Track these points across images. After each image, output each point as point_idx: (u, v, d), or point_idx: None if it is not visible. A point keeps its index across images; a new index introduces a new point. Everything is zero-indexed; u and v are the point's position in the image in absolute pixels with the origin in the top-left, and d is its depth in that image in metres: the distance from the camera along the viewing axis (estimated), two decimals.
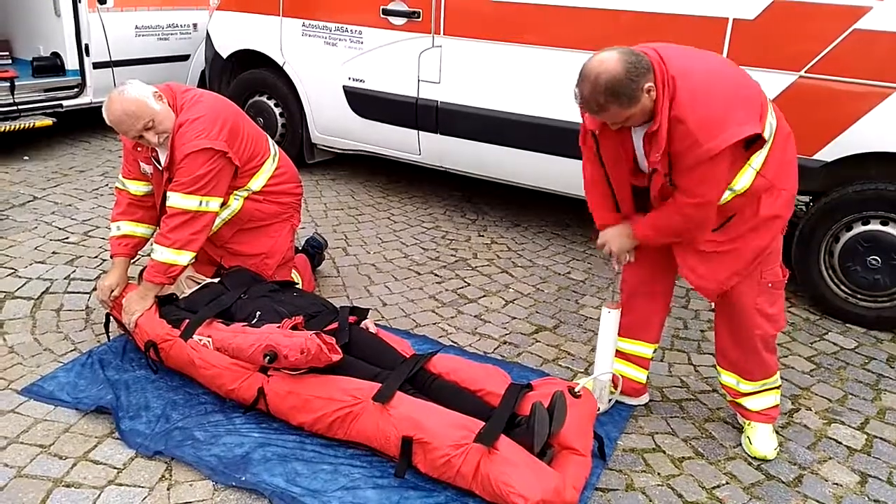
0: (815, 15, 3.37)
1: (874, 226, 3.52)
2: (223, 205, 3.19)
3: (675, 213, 2.37)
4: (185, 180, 2.95)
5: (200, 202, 2.99)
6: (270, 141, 3.47)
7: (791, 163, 2.43)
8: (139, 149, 3.09)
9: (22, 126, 5.45)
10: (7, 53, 6.24)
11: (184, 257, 2.98)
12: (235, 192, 3.24)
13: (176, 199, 2.97)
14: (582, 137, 2.54)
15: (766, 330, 2.56)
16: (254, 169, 3.28)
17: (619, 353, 2.81)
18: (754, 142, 2.27)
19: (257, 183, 3.29)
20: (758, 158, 2.31)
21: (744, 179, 2.32)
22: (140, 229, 3.21)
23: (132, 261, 3.25)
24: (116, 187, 3.26)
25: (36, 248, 4.02)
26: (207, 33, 5.76)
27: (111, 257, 3.19)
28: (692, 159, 2.20)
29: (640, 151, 2.38)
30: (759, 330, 2.55)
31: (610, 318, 2.71)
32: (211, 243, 3.32)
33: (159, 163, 3.10)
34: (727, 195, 2.34)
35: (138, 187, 3.21)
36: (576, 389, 2.49)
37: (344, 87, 4.94)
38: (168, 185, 3.02)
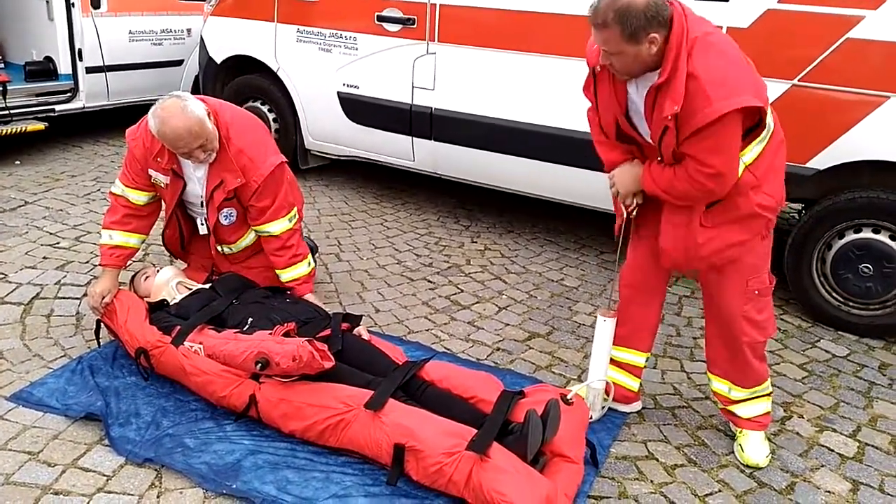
0: (809, 24, 3.39)
1: (866, 234, 3.53)
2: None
3: (688, 180, 2.30)
4: (280, 206, 3.17)
5: (294, 215, 3.26)
6: None
7: (779, 170, 2.43)
8: (159, 159, 3.06)
9: (14, 130, 5.42)
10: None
11: (310, 263, 3.29)
12: None
13: (283, 225, 3.20)
14: (586, 83, 2.50)
15: (754, 337, 2.56)
16: None
17: (612, 361, 2.81)
18: (753, 130, 2.26)
19: None
20: (750, 153, 2.31)
21: None
22: (132, 240, 3.20)
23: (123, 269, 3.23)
24: (112, 193, 3.22)
25: (26, 253, 3.99)
26: (201, 38, 5.75)
27: (101, 266, 3.16)
28: (702, 118, 2.15)
29: (641, 115, 2.35)
30: (747, 337, 2.55)
31: (606, 327, 2.71)
32: (228, 261, 3.37)
33: (179, 176, 3.10)
34: None
35: (139, 197, 3.18)
36: (568, 397, 2.49)
37: (338, 93, 4.94)
38: (256, 218, 3.19)
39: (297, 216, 3.30)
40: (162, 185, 3.14)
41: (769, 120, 2.33)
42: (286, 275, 3.23)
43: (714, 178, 2.26)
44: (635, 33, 2.12)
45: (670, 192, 2.40)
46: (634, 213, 2.60)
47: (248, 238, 3.32)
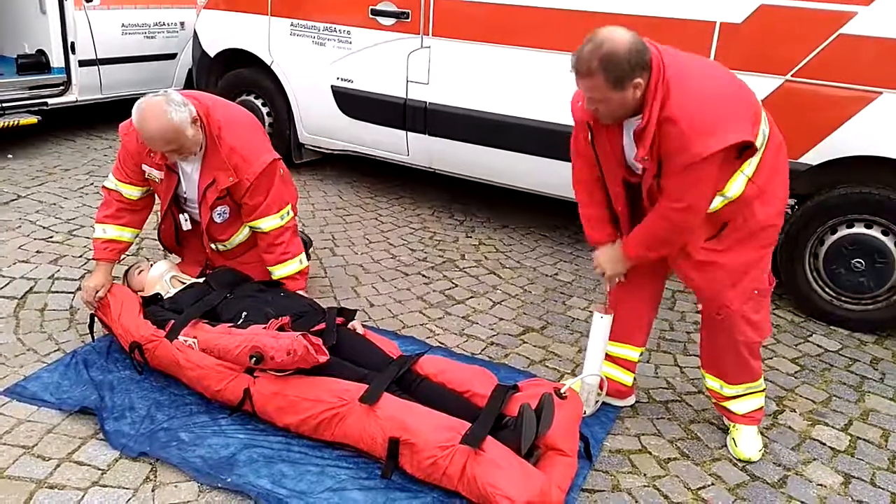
0: (802, 19, 3.39)
1: (858, 229, 3.55)
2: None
3: (660, 218, 2.37)
4: (271, 203, 3.16)
5: (286, 213, 3.23)
6: None
7: (782, 172, 2.44)
8: (152, 154, 3.05)
9: (6, 124, 5.39)
10: None
11: (303, 259, 3.27)
12: None
13: (273, 222, 3.18)
14: (575, 132, 2.54)
15: (750, 337, 2.57)
16: None
17: (606, 356, 2.81)
18: (746, 149, 2.28)
19: None
20: (750, 166, 2.32)
21: (735, 186, 2.33)
22: (126, 234, 3.19)
23: (116, 263, 3.22)
24: (105, 187, 3.22)
25: (20, 248, 3.98)
26: (195, 32, 5.73)
27: (94, 260, 3.16)
28: (682, 161, 2.20)
29: (630, 149, 2.38)
30: (743, 337, 2.56)
31: (602, 323, 2.72)
32: (222, 258, 3.36)
33: (173, 171, 3.10)
34: (719, 202, 2.35)
35: (132, 191, 3.18)
36: (562, 391, 2.49)
37: (332, 87, 4.93)
38: (248, 214, 3.19)
39: (291, 214, 3.28)
40: (156, 180, 3.14)
41: (763, 128, 2.33)
42: (276, 272, 3.23)
43: (683, 211, 2.31)
44: (620, 80, 2.14)
45: (649, 243, 2.47)
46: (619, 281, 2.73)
47: (241, 235, 3.32)
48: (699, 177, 2.23)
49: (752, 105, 2.31)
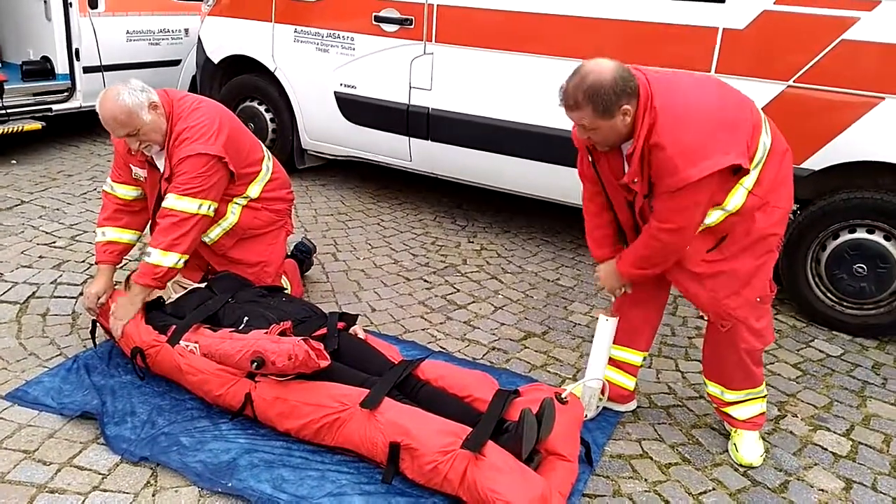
0: (804, 25, 3.40)
1: (861, 234, 3.54)
2: (222, 215, 3.22)
3: (651, 238, 2.40)
4: (181, 183, 2.97)
5: (192, 204, 2.99)
6: (264, 147, 3.48)
7: (786, 180, 2.43)
8: (134, 153, 3.08)
9: (10, 130, 5.42)
10: None
11: (169, 259, 2.95)
12: (234, 199, 3.25)
13: (170, 201, 2.98)
14: (580, 157, 2.59)
15: (752, 344, 2.57)
16: (251, 175, 3.30)
17: (609, 360, 2.81)
18: (740, 169, 2.28)
19: (255, 190, 3.30)
20: (750, 178, 2.32)
21: (736, 199, 2.33)
22: (126, 235, 3.20)
23: (118, 266, 3.23)
24: (104, 191, 3.25)
25: (22, 253, 3.99)
26: (199, 38, 5.76)
27: (96, 264, 3.18)
28: (671, 185, 2.23)
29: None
30: (745, 344, 2.56)
31: (607, 327, 2.73)
32: (212, 252, 3.34)
33: (156, 167, 3.09)
34: (719, 215, 2.36)
35: (127, 191, 3.20)
36: (563, 395, 2.49)
37: (335, 93, 4.95)
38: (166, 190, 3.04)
39: (195, 212, 2.99)
40: (142, 178, 3.16)
41: (764, 139, 2.33)
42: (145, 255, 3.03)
43: (672, 232, 2.33)
44: (608, 109, 2.18)
45: (642, 264, 2.50)
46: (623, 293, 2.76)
47: (219, 227, 3.24)
48: (688, 200, 2.26)
49: (746, 122, 2.30)
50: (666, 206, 2.30)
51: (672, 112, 2.20)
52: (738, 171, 2.29)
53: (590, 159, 2.52)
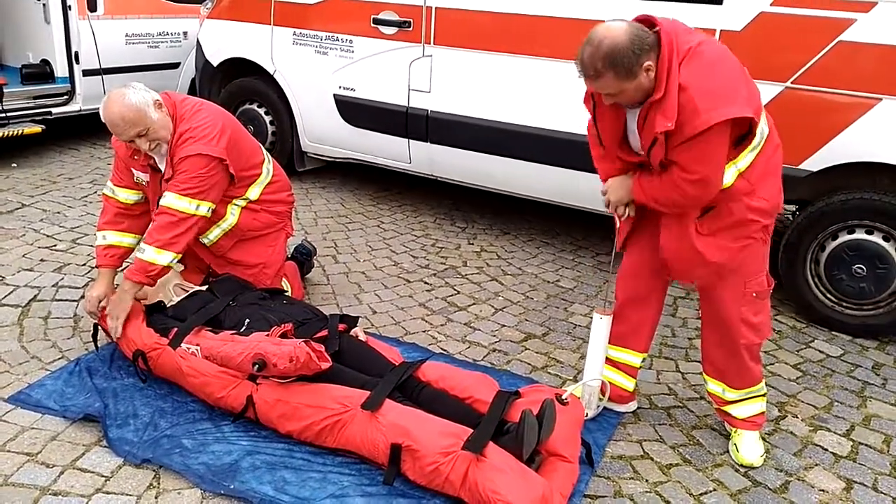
0: (802, 27, 3.41)
1: (859, 235, 3.56)
2: (221, 216, 3.22)
3: (673, 188, 2.33)
4: (181, 182, 2.98)
5: (191, 205, 3.00)
6: (264, 150, 3.49)
7: (774, 174, 2.44)
8: (136, 157, 3.09)
9: (10, 133, 5.43)
10: None
11: (164, 257, 2.95)
12: (234, 201, 3.26)
13: (169, 199, 2.98)
14: (585, 96, 2.51)
15: (751, 339, 2.58)
16: (251, 178, 3.31)
17: (608, 361, 2.82)
18: (744, 139, 2.28)
19: (254, 192, 3.31)
20: (743, 160, 2.33)
21: (726, 177, 2.33)
22: (126, 239, 3.21)
23: (119, 270, 3.24)
24: (104, 194, 3.26)
25: (24, 256, 4.00)
26: (198, 41, 5.76)
27: (97, 267, 3.18)
28: (690, 129, 2.18)
29: (633, 130, 2.38)
30: (744, 339, 2.57)
31: (601, 325, 2.73)
32: (211, 254, 3.35)
33: (158, 170, 3.10)
34: None
35: (128, 195, 3.21)
36: (563, 396, 2.50)
37: (334, 95, 4.95)
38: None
39: (193, 212, 3.00)
40: (143, 182, 3.17)
41: (762, 126, 2.34)
42: (138, 251, 3.03)
43: (698, 184, 2.29)
44: (630, 70, 2.15)
45: (659, 201, 2.44)
46: (626, 216, 2.62)
47: (218, 228, 3.26)
48: (708, 148, 2.22)
49: (758, 94, 2.32)
50: (687, 156, 2.24)
51: (697, 56, 2.17)
52: (741, 142, 2.28)
53: (591, 108, 2.46)
